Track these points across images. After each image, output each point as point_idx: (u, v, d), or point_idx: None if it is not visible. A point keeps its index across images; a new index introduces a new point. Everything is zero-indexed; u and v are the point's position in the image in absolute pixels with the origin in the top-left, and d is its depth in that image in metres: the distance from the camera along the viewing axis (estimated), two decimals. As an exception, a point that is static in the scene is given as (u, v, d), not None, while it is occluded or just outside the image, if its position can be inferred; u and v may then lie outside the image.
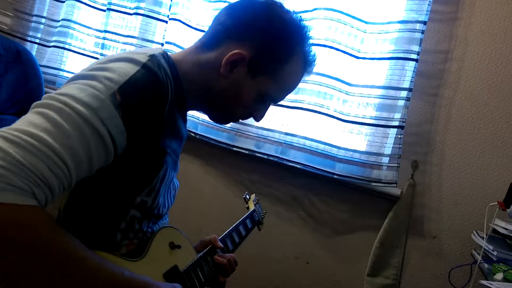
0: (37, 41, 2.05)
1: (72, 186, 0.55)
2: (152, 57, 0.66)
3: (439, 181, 1.48)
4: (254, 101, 0.80)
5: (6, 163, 0.45)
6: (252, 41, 0.74)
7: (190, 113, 1.63)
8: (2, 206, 0.44)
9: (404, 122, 1.44)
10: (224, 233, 1.04)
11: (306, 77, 0.88)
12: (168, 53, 0.76)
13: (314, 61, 0.84)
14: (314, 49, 0.83)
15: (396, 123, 1.46)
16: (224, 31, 0.76)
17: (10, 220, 0.45)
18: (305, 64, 0.81)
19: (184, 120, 0.81)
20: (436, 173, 1.48)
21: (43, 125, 0.50)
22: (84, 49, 1.98)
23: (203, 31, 1.75)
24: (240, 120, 0.89)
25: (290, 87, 0.84)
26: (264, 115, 0.86)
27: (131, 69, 0.61)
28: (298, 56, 0.79)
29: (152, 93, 0.63)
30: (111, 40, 1.90)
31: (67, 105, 0.53)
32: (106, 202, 0.67)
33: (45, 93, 1.13)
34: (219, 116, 0.85)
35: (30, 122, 0.50)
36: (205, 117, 1.76)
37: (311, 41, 0.81)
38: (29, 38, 2.06)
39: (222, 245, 0.97)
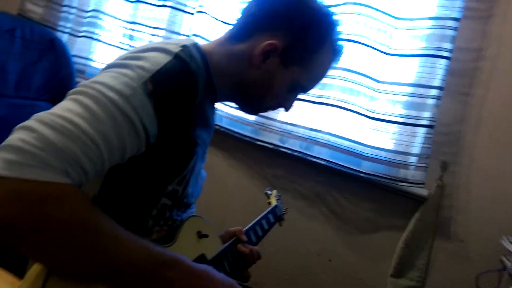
0: (68, 31, 2.09)
1: (105, 172, 0.56)
2: (185, 47, 0.66)
3: (468, 183, 1.44)
4: (285, 91, 0.81)
5: (41, 144, 0.47)
6: (284, 31, 0.75)
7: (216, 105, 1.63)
8: (38, 183, 0.46)
9: (434, 121, 1.40)
10: (248, 226, 1.04)
11: (333, 65, 0.87)
12: (199, 44, 0.76)
13: (342, 49, 0.84)
14: (342, 38, 0.83)
15: (425, 122, 1.42)
16: (255, 22, 0.77)
17: (46, 196, 0.46)
18: (334, 52, 0.82)
19: (213, 111, 0.82)
20: (465, 175, 1.44)
21: (77, 110, 0.52)
22: (112, 40, 2.00)
23: (229, 24, 1.75)
24: (268, 112, 0.89)
25: (320, 76, 0.85)
26: (292, 105, 0.87)
27: (164, 58, 0.62)
28: (327, 44, 0.79)
29: (183, 83, 0.64)
30: (138, 31, 1.92)
31: (101, 93, 0.54)
32: (139, 190, 0.68)
33: (76, 82, 1.15)
34: (250, 107, 0.86)
35: (65, 107, 0.52)
36: (229, 110, 1.76)
37: (339, 28, 0.81)
38: (59, 28, 2.10)
39: (246, 238, 0.98)
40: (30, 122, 0.49)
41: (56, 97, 1.07)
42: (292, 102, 0.86)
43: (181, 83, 0.63)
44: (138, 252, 0.55)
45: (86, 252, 0.50)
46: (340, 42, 0.82)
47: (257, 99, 0.81)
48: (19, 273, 0.67)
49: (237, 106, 0.86)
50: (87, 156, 0.51)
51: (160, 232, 0.73)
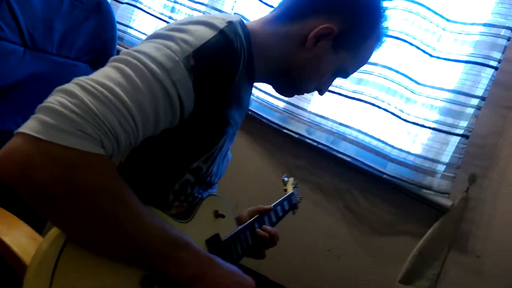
0: (111, -5, 2.11)
1: (138, 143, 0.56)
2: (230, 23, 0.65)
3: (495, 199, 1.39)
4: (329, 75, 0.81)
5: (80, 111, 0.47)
6: (339, 15, 0.73)
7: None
8: (72, 151, 0.46)
9: (470, 131, 1.36)
10: (272, 204, 1.05)
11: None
12: (244, 21, 0.74)
13: (385, 37, 0.82)
14: (388, 26, 0.81)
15: (461, 131, 1.38)
16: (310, 4, 0.75)
17: (78, 164, 0.47)
18: (379, 40, 0.81)
19: (249, 92, 0.81)
20: (493, 190, 1.40)
21: (118, 79, 0.51)
22: (153, 10, 2.00)
23: (273, 6, 1.72)
24: (304, 94, 0.89)
25: (364, 62, 0.84)
26: (328, 89, 0.87)
27: (208, 33, 0.61)
28: (377, 32, 0.79)
29: (225, 61, 0.62)
30: (180, 3, 1.91)
31: (142, 63, 0.54)
32: (164, 162, 0.68)
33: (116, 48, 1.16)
34: (290, 88, 0.84)
35: (106, 74, 0.52)
36: (260, 94, 1.75)
37: (387, 16, 0.79)
38: (103, -8, 2.11)
39: (272, 207, 1.03)
40: (70, 86, 0.49)
41: (96, 60, 1.07)
42: (329, 85, 0.86)
43: (223, 61, 0.62)
44: (156, 230, 0.56)
45: (109, 224, 0.50)
46: (386, 30, 0.81)
47: (301, 81, 0.80)
48: (37, 226, 0.69)
49: (275, 87, 0.85)
50: (123, 127, 0.51)
51: (179, 208, 0.74)
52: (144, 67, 0.53)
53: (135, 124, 0.52)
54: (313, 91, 0.85)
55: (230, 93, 0.66)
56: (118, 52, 1.14)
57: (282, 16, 0.76)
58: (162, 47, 0.56)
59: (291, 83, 0.82)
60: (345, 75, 0.84)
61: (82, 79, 0.50)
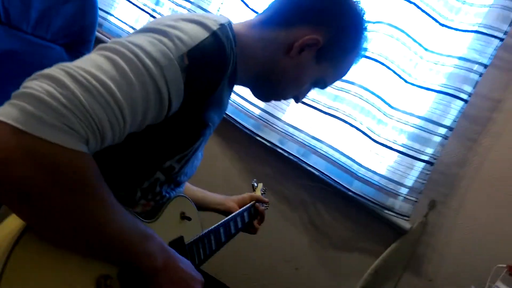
0: (95, -21, 2.04)
1: (120, 141, 0.54)
2: (222, 26, 0.64)
3: (452, 226, 1.45)
4: (308, 85, 0.82)
5: (70, 104, 0.43)
6: (327, 27, 0.75)
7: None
8: (56, 147, 0.43)
9: (435, 159, 1.41)
10: (230, 216, 1.05)
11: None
12: (232, 23, 0.74)
13: (364, 53, 0.85)
14: (366, 42, 0.83)
15: (426, 158, 1.42)
16: (299, 13, 0.75)
17: (62, 164, 0.44)
18: (358, 56, 0.83)
19: (229, 94, 0.81)
20: (451, 218, 1.45)
21: (112, 72, 0.48)
22: (137, 0, 1.96)
23: (257, 12, 1.72)
24: (281, 101, 0.91)
25: (342, 75, 0.86)
26: (304, 98, 0.88)
27: (202, 34, 0.60)
28: (357, 49, 0.81)
29: (216, 65, 0.62)
30: (166, -2, 1.88)
31: (137, 56, 0.51)
32: (138, 158, 0.66)
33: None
34: (268, 93, 0.85)
35: (99, 66, 0.48)
36: (237, 98, 1.74)
37: (367, 34, 0.82)
38: (87, -26, 2.05)
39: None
40: (58, 73, 0.45)
41: (72, 44, 1.03)
42: (306, 94, 0.87)
43: (214, 64, 0.62)
44: (128, 223, 0.55)
45: (84, 221, 0.48)
46: (365, 49, 0.83)
47: (280, 88, 0.81)
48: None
49: (253, 91, 0.85)
50: (111, 126, 0.48)
51: (146, 207, 0.72)
52: (138, 62, 0.51)
53: (124, 122, 0.50)
54: (290, 98, 0.86)
55: (213, 96, 0.66)
56: (96, 39, 1.10)
57: (269, 22, 0.76)
58: (157, 42, 0.54)
59: (271, 89, 0.82)
60: (323, 86, 0.85)
61: (71, 67, 0.46)
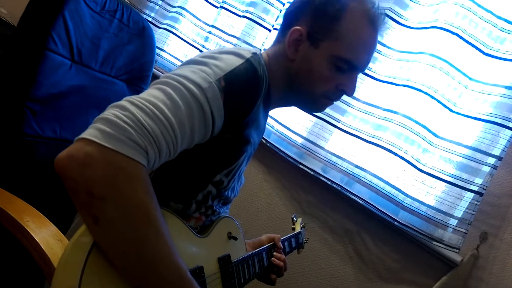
0: (150, 19, 2.22)
1: (175, 155, 0.63)
2: (255, 54, 0.76)
3: (505, 260, 1.38)
4: (330, 71, 0.81)
5: (131, 122, 0.54)
6: (304, 15, 0.82)
7: (268, 121, 1.67)
8: (119, 155, 0.53)
9: (485, 189, 1.37)
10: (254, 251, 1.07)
11: (383, 33, 0.86)
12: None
13: (380, 14, 0.82)
14: (375, 4, 0.82)
15: (475, 188, 1.39)
16: (285, 21, 0.86)
17: (123, 167, 0.53)
18: (368, 18, 0.80)
19: (266, 117, 0.90)
20: (504, 251, 1.38)
21: (161, 97, 0.60)
22: (187, 37, 2.11)
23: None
24: (333, 101, 0.87)
25: (359, 44, 0.81)
26: (354, 86, 0.85)
27: (237, 61, 0.70)
28: (352, 9, 0.79)
29: (250, 85, 0.71)
30: (214, 35, 2.01)
31: (181, 84, 0.62)
32: (192, 172, 0.75)
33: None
34: (308, 102, 0.88)
35: (152, 94, 0.60)
36: (279, 127, 1.80)
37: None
38: (144, 16, 2.23)
39: (282, 247, 1.08)
40: (122, 102, 0.57)
41: (132, 79, 1.14)
42: (350, 82, 0.84)
43: (248, 84, 0.71)
44: (172, 260, 0.58)
45: (129, 233, 0.54)
46: (372, 8, 0.81)
47: (307, 89, 0.84)
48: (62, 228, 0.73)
49: (299, 107, 0.92)
50: (165, 138, 0.58)
51: (198, 221, 0.80)
52: (182, 87, 0.62)
53: (174, 135, 0.59)
54: (337, 93, 0.85)
55: (252, 115, 0.74)
56: (152, 74, 1.21)
57: (276, 41, 0.88)
58: (198, 70, 0.65)
59: (302, 96, 0.87)
60: (351, 64, 0.81)
61: (132, 97, 0.58)
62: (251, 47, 0.83)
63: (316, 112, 0.98)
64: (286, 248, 1.16)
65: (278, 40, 0.87)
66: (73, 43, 0.95)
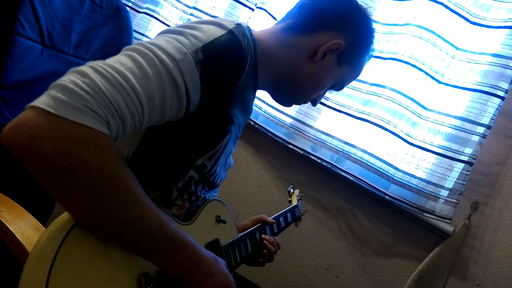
0: (130, 4, 2.16)
1: (142, 128, 0.57)
2: (239, 25, 0.68)
3: (496, 228, 1.39)
4: (328, 87, 0.86)
5: (90, 90, 0.48)
6: (347, 32, 0.79)
7: (255, 101, 1.64)
8: (78, 126, 0.47)
9: (475, 158, 1.36)
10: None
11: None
12: (251, 29, 0.78)
13: (372, 52, 0.90)
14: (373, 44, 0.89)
15: (465, 158, 1.38)
16: (322, 20, 0.79)
17: (85, 141, 0.48)
18: (369, 58, 0.89)
19: (253, 97, 0.84)
20: (495, 219, 1.39)
21: (129, 65, 0.54)
22: (169, 21, 2.05)
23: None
24: (300, 105, 0.94)
25: (357, 76, 0.91)
26: (321, 100, 0.93)
27: (218, 32, 0.64)
28: (369, 51, 0.87)
29: (232, 58, 0.65)
30: (196, 17, 1.96)
31: (153, 53, 0.56)
32: (171, 157, 0.70)
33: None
34: (288, 98, 0.89)
35: (118, 60, 0.54)
36: (267, 108, 1.77)
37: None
38: (123, 0, 2.16)
39: (274, 220, 1.05)
40: (84, 68, 0.51)
41: (110, 63, 1.10)
42: (322, 97, 0.92)
43: (230, 58, 0.65)
44: (155, 221, 0.55)
45: (105, 204, 0.50)
46: (373, 50, 0.89)
47: (303, 91, 0.85)
48: (42, 218, 0.70)
49: (275, 95, 0.88)
50: (129, 110, 0.52)
51: (181, 208, 0.75)
52: (154, 56, 0.56)
53: (141, 107, 0.54)
54: (308, 102, 0.90)
55: (235, 92, 0.69)
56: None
57: (292, 28, 0.80)
58: (172, 40, 0.59)
59: (294, 93, 0.85)
60: (341, 87, 0.90)
61: (95, 63, 0.52)
62: (235, 20, 0.77)
63: (285, 106, 0.97)
64: (282, 224, 1.14)
65: (298, 30, 0.79)
66: (43, 26, 0.91)
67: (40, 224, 0.67)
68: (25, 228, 0.62)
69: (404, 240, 1.52)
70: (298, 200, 1.30)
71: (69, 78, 0.49)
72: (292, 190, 1.32)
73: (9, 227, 0.59)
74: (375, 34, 0.86)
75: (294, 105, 1.00)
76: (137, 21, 2.07)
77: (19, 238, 0.57)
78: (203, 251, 0.63)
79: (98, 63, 0.52)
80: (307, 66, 0.79)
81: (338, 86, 0.88)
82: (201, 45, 0.60)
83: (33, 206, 0.72)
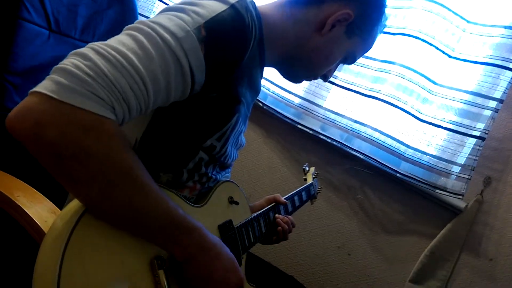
0: (132, -13, 2.14)
1: (148, 111, 0.57)
2: (241, 0, 0.65)
3: (509, 203, 1.38)
4: (338, 60, 0.83)
5: (93, 73, 0.47)
6: (357, 2, 0.77)
7: (262, 82, 1.62)
8: (83, 112, 0.47)
9: (487, 133, 1.34)
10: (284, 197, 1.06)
11: None
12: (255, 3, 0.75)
13: (385, 27, 0.88)
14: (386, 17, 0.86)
15: (477, 133, 1.36)
16: None
17: (88, 126, 0.47)
18: (382, 29, 0.86)
19: (261, 75, 0.82)
20: (508, 194, 1.38)
21: (131, 45, 0.52)
22: (173, 2, 2.03)
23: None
24: (311, 80, 0.92)
25: (368, 50, 0.87)
26: (332, 75, 0.91)
27: (220, 7, 0.61)
28: (381, 21, 0.84)
29: (236, 34, 0.63)
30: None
31: (155, 31, 0.54)
32: (179, 139, 0.69)
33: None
34: (298, 73, 0.86)
35: (120, 41, 0.53)
36: (276, 89, 1.76)
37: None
38: (125, -16, 2.14)
39: (287, 201, 1.04)
40: (85, 50, 0.50)
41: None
42: (334, 71, 0.89)
43: (233, 34, 0.62)
44: (160, 207, 0.56)
45: (111, 191, 0.50)
46: (386, 21, 0.86)
47: (313, 65, 0.82)
48: (58, 202, 0.71)
49: (284, 72, 0.86)
50: (134, 92, 0.51)
51: (193, 190, 0.74)
52: (156, 35, 0.54)
53: (146, 89, 0.53)
54: (320, 77, 0.87)
55: (241, 70, 0.67)
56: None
57: (297, 1, 0.78)
58: (174, 17, 0.57)
59: (303, 68, 0.83)
60: (352, 60, 0.87)
61: (96, 44, 0.51)
62: None
63: (294, 83, 0.94)
64: (296, 203, 1.14)
65: (305, 2, 0.77)
66: (48, 11, 0.90)
67: (57, 208, 0.68)
68: (42, 211, 0.63)
69: (416, 217, 1.52)
70: (313, 178, 1.30)
71: (71, 61, 0.48)
72: (307, 168, 1.31)
73: (26, 210, 0.60)
74: (386, 5, 0.83)
75: (304, 81, 0.98)
76: (142, 4, 2.05)
77: (36, 221, 0.58)
78: (209, 236, 0.64)
79: (99, 44, 0.51)
80: (315, 39, 0.77)
81: (349, 59, 0.85)
82: (203, 21, 0.58)
83: (49, 191, 0.73)
